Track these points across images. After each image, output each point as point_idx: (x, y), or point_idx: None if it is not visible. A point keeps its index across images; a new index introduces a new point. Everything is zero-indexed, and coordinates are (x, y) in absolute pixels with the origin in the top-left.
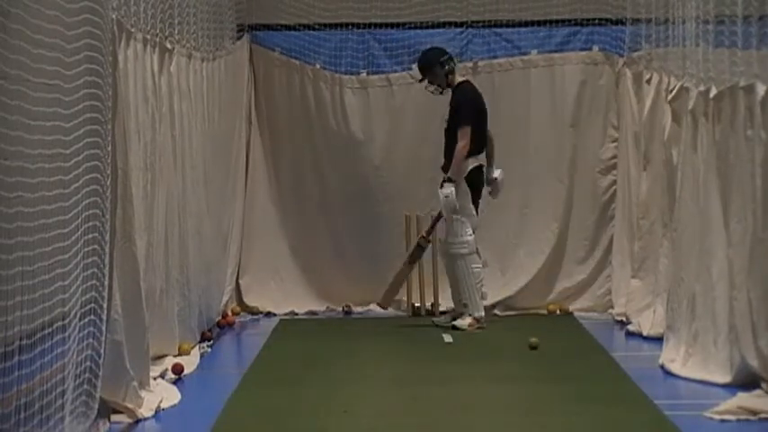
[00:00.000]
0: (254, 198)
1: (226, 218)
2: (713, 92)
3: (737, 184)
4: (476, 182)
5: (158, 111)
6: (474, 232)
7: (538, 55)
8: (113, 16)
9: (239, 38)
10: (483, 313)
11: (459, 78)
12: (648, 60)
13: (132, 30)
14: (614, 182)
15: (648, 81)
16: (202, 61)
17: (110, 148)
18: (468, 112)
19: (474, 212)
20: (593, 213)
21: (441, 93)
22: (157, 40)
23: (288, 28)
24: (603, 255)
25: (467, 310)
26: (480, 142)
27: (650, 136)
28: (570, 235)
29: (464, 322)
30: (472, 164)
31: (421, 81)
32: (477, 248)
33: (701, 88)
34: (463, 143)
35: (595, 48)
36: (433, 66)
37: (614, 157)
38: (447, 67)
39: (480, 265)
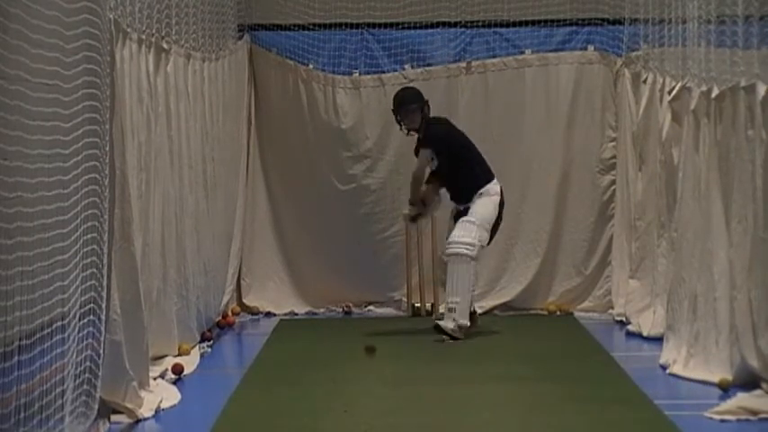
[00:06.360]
0: (254, 198)
1: (229, 218)
2: (715, 92)
3: (738, 184)
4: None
5: (154, 111)
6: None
7: (532, 54)
8: (111, 16)
9: (240, 38)
10: (468, 322)
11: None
12: (646, 60)
13: (128, 30)
14: (614, 181)
15: (645, 81)
16: (203, 61)
17: (108, 149)
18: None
19: (487, 238)
20: (593, 213)
21: (408, 134)
22: (153, 40)
23: (284, 28)
24: (603, 255)
25: (451, 313)
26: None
27: (645, 136)
28: (569, 235)
29: (449, 325)
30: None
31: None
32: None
33: (703, 88)
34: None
35: (591, 47)
36: (419, 105)
37: (614, 156)
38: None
39: (475, 276)
